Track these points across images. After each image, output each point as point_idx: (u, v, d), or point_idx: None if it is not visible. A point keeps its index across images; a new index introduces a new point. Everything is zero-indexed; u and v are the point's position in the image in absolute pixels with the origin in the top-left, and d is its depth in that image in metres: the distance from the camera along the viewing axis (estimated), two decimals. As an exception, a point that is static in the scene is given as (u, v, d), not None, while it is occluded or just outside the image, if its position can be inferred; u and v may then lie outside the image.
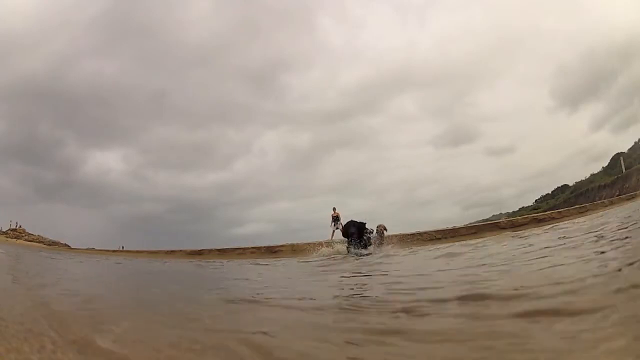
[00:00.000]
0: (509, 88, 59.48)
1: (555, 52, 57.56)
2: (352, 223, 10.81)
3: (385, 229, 11.51)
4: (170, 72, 65.73)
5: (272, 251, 15.81)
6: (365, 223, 10.78)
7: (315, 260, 8.53)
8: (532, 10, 59.20)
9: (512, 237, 8.33)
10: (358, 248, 10.09)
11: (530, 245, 5.41)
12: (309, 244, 12.58)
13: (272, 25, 68.31)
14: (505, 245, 6.33)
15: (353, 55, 64.17)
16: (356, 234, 10.39)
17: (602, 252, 3.19)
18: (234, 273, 6.97)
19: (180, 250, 18.35)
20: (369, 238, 10.64)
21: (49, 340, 1.50)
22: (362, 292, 3.28)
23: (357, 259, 7.52)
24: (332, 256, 9.40)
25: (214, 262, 11.47)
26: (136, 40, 62.33)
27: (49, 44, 52.26)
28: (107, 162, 58.32)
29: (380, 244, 10.69)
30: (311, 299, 2.98)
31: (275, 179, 59.56)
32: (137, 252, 19.17)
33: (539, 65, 62.80)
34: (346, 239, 10.86)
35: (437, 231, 15.40)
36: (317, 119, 62.97)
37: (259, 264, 9.04)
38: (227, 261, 11.74)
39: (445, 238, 13.93)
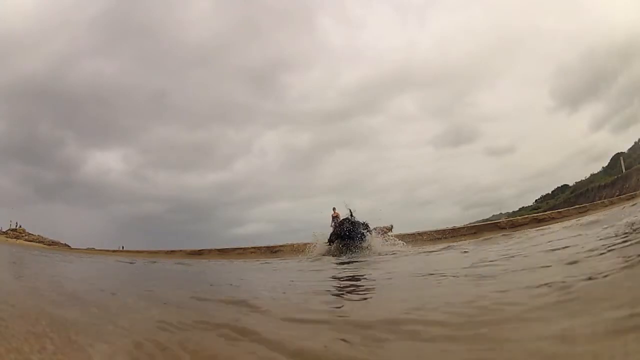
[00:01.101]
0: (509, 88, 59.59)
1: (555, 52, 57.63)
2: (347, 220, 10.83)
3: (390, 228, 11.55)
4: (170, 72, 65.85)
5: (272, 251, 15.82)
6: (364, 223, 10.71)
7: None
8: (532, 10, 59.31)
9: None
10: (346, 247, 10.10)
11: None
12: (306, 244, 12.61)
13: (272, 25, 68.47)
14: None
15: (353, 55, 64.43)
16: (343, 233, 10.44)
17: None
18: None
19: (180, 250, 18.35)
20: (362, 234, 10.52)
21: (49, 341, 1.50)
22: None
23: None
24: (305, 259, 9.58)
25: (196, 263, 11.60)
26: (136, 40, 62.46)
27: (49, 44, 52.39)
28: (107, 162, 58.45)
29: (385, 242, 10.71)
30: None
31: (275, 179, 59.61)
32: (137, 252, 19.17)
33: (539, 65, 62.91)
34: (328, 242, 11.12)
35: (437, 231, 15.41)
36: (317, 119, 63.11)
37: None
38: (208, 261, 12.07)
39: (446, 238, 13.94)
